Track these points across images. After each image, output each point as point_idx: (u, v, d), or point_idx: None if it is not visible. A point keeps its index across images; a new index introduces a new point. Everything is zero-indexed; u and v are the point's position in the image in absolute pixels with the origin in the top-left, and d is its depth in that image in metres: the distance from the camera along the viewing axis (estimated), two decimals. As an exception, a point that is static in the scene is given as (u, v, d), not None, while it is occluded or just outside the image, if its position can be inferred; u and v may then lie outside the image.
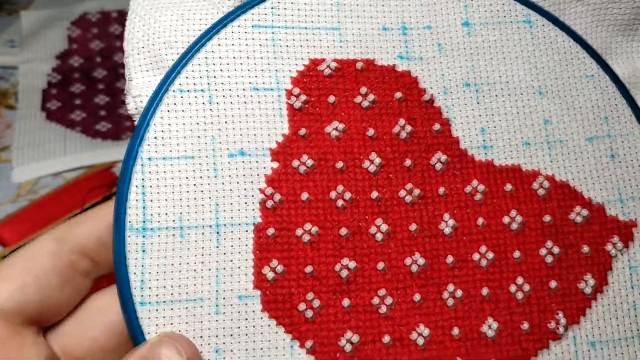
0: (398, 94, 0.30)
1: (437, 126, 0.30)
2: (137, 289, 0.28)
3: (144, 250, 0.28)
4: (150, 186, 0.29)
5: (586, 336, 0.29)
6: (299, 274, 0.28)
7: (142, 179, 0.29)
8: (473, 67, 0.31)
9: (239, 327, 0.28)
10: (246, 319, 0.28)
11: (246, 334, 0.28)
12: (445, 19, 0.31)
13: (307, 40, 0.30)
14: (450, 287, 0.29)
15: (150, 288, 0.28)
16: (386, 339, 0.28)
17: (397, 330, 0.28)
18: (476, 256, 0.29)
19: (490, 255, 0.29)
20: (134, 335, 0.28)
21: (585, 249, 0.30)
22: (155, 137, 0.29)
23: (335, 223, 0.29)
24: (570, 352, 0.29)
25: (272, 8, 0.31)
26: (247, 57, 0.30)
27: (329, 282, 0.28)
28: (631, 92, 0.32)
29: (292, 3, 0.31)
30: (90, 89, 0.58)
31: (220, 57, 0.30)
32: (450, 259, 0.29)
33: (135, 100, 0.30)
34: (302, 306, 0.28)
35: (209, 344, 0.27)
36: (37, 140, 0.55)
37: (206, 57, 0.30)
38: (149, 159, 0.29)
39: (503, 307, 0.29)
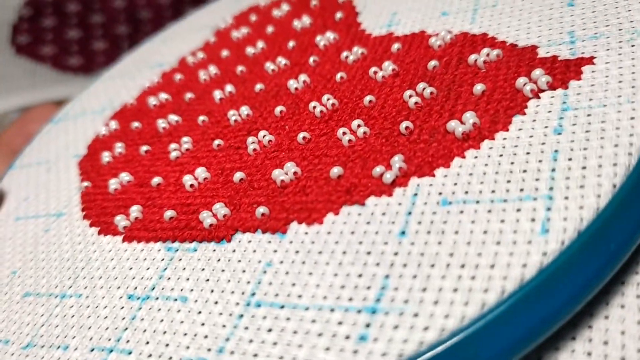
0: (314, 1, 0.27)
1: (338, 14, 0.25)
2: None
3: None
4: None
5: (438, 192, 0.16)
6: (126, 129, 0.25)
7: None
8: None
9: (50, 181, 0.25)
10: (62, 174, 0.25)
11: (49, 186, 0.25)
12: None
13: None
14: (261, 134, 0.20)
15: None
16: (154, 180, 0.21)
17: (173, 175, 0.21)
18: (312, 105, 0.21)
19: (332, 102, 0.20)
20: None
21: (478, 87, 0.18)
22: None
23: (187, 90, 0.26)
24: (400, 213, 0.16)
25: None
26: None
27: (146, 135, 0.24)
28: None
29: None
30: (62, 23, 0.54)
31: None
32: (279, 109, 0.21)
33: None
34: (106, 154, 0.24)
35: (22, 194, 0.25)
36: (4, 74, 0.52)
37: None
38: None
39: (316, 153, 0.19)
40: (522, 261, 0.13)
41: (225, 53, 0.27)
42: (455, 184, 0.16)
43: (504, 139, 0.16)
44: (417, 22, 0.23)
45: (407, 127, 0.18)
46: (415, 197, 0.16)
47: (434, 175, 0.16)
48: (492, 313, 0.13)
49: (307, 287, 0.15)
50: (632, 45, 0.17)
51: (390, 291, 0.14)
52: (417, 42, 0.22)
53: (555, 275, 0.13)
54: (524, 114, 0.17)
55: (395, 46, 0.22)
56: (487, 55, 0.19)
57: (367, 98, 0.20)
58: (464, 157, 0.16)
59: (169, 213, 0.19)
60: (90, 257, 0.20)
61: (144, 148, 0.23)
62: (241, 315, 0.15)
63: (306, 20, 0.26)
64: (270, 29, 0.27)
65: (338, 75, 0.22)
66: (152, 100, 0.26)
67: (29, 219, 0.23)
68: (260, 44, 0.26)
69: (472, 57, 0.19)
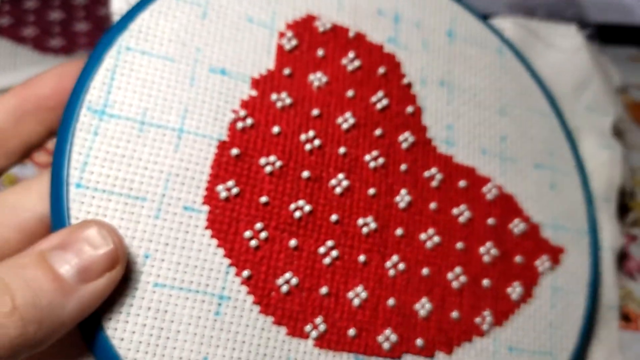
0: (382, 69, 0.31)
1: (410, 109, 0.31)
2: (77, 170, 0.25)
3: (96, 133, 0.26)
4: (122, 74, 0.27)
5: (506, 340, 0.30)
6: (253, 201, 0.27)
7: (115, 65, 0.27)
8: (449, 70, 0.33)
9: (177, 238, 0.26)
10: (186, 232, 0.26)
11: (182, 247, 0.26)
12: (433, 22, 0.34)
13: None
14: (395, 258, 0.29)
15: (92, 172, 0.25)
16: (323, 290, 0.27)
17: (335, 285, 0.27)
18: (423, 236, 0.30)
19: (437, 239, 0.30)
20: (58, 218, 0.25)
21: (518, 258, 0.31)
22: (139, 31, 0.28)
23: (299, 164, 0.28)
24: (489, 350, 0.29)
25: None
26: None
27: (280, 218, 0.27)
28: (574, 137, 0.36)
29: None
30: (44, 5, 0.56)
31: None
32: (399, 231, 0.29)
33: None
34: (248, 234, 0.26)
35: (139, 247, 0.25)
36: (-16, 56, 0.52)
37: None
38: (128, 48, 0.27)
39: (438, 292, 0.29)
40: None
41: (315, 112, 0.29)
42: (512, 335, 0.30)
43: (533, 303, 0.31)
44: (466, 150, 0.32)
45: (488, 285, 0.30)
46: (495, 340, 0.30)
47: (502, 325, 0.30)
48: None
49: None
50: (584, 243, 0.33)
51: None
52: (472, 181, 0.31)
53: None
54: (537, 284, 0.31)
55: (462, 183, 0.31)
56: (517, 226, 0.32)
57: (459, 244, 0.30)
58: (514, 313, 0.30)
59: (351, 332, 0.27)
60: (289, 356, 0.26)
61: (293, 243, 0.27)
62: (425, 418, 0.27)
63: (384, 100, 0.30)
64: (350, 93, 0.30)
65: (432, 205, 0.30)
66: (263, 163, 0.27)
67: (175, 290, 0.25)
68: (349, 117, 0.29)
69: (510, 225, 0.31)
